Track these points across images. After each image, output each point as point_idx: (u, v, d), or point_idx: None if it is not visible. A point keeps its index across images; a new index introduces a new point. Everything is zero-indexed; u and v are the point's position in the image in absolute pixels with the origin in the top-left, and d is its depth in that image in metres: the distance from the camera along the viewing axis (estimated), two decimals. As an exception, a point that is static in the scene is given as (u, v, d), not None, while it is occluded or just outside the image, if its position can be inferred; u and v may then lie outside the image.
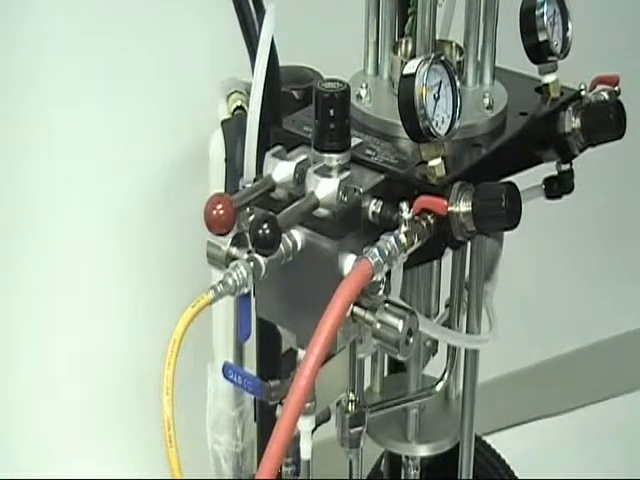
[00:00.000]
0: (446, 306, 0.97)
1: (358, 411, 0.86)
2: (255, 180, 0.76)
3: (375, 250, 0.70)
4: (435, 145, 0.76)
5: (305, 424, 0.78)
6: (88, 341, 1.35)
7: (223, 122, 1.00)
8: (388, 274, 0.73)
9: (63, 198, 1.27)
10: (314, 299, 0.71)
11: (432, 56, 0.75)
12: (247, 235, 0.68)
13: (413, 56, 0.86)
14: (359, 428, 0.87)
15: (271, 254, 0.68)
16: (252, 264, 0.68)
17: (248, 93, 0.82)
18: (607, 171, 1.59)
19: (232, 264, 0.69)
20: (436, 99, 0.76)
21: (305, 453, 0.80)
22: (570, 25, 0.89)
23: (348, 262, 0.72)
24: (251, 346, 1.02)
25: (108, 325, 1.35)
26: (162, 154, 1.28)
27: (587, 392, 1.81)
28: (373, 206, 0.75)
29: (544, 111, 0.88)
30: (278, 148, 0.75)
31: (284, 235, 0.69)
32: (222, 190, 0.98)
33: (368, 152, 0.79)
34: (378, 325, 0.70)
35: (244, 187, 0.74)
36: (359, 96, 0.85)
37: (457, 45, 0.89)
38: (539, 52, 0.87)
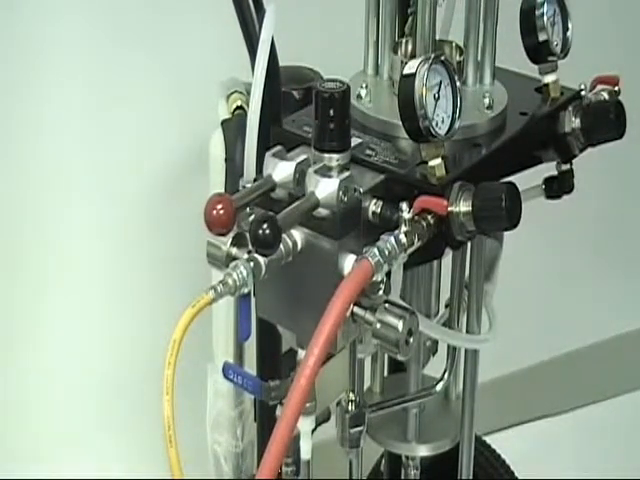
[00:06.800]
0: (446, 306, 0.97)
1: (358, 411, 0.86)
2: (255, 180, 0.76)
3: (375, 250, 0.70)
4: (435, 145, 0.76)
5: (305, 424, 0.78)
6: (88, 341, 1.35)
7: (223, 122, 1.00)
8: (388, 274, 0.72)
9: (63, 198, 1.27)
10: (314, 299, 0.71)
11: (432, 56, 0.75)
12: (247, 235, 0.68)
13: (413, 56, 0.85)
14: (359, 428, 0.87)
15: (271, 254, 0.68)
16: (252, 264, 0.68)
17: (248, 93, 0.82)
18: (607, 171, 1.59)
19: (232, 264, 0.69)
20: (436, 99, 0.76)
21: (305, 453, 0.80)
22: (570, 25, 0.89)
23: (348, 262, 0.72)
24: (251, 346, 1.02)
25: (108, 325, 1.35)
26: (162, 154, 1.28)
27: (587, 392, 1.81)
28: (373, 206, 0.75)
29: (544, 111, 0.88)
30: (278, 148, 0.75)
31: (284, 235, 0.69)
32: (222, 190, 0.98)
33: (368, 152, 0.79)
34: (378, 325, 0.70)
35: (244, 187, 0.74)
36: (359, 96, 0.85)
37: (457, 45, 0.89)
38: (539, 52, 0.87)
